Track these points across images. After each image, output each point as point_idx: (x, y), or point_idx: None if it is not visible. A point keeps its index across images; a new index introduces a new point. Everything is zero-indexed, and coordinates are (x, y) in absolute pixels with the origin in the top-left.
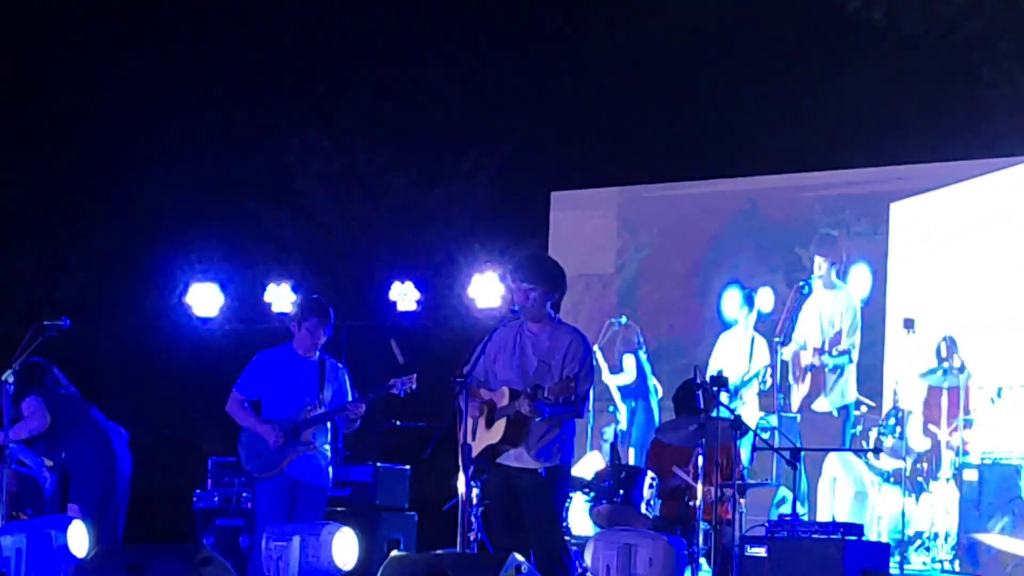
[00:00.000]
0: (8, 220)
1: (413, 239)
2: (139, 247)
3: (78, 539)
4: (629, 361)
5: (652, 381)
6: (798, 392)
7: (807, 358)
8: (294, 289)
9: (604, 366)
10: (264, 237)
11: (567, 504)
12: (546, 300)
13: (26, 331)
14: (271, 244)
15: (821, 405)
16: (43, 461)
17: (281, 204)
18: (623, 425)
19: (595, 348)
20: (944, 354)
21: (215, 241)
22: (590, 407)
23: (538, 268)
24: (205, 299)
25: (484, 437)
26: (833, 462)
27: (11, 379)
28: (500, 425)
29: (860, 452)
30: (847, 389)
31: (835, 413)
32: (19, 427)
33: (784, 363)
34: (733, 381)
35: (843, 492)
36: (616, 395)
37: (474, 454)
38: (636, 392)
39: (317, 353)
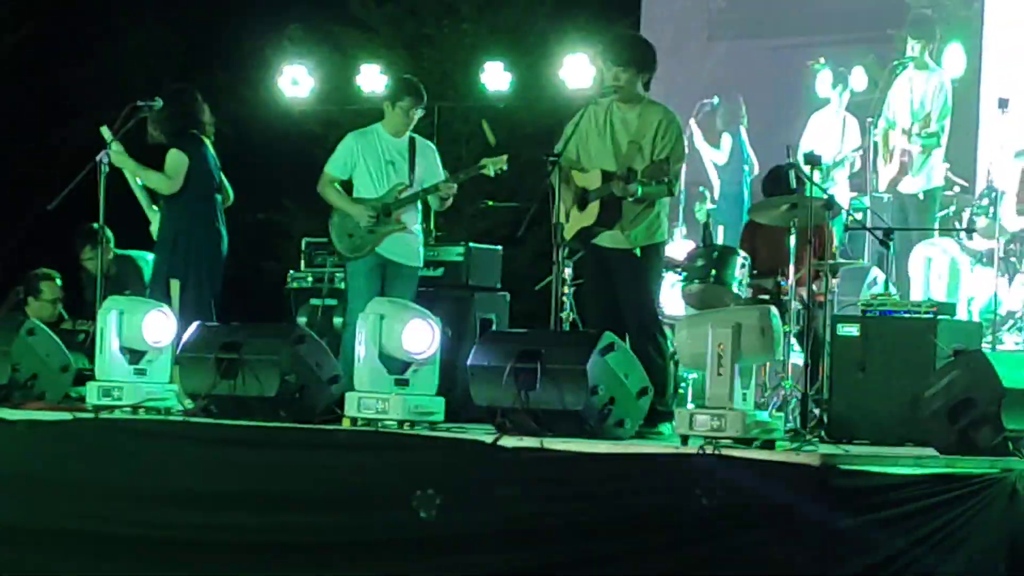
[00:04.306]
0: (109, 8)
1: (502, 20)
2: (230, 31)
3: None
4: (726, 140)
5: (748, 165)
6: (886, 173)
7: (896, 139)
8: (384, 72)
9: (703, 142)
10: (352, 22)
11: (660, 284)
12: (636, 80)
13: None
14: (359, 28)
15: (908, 187)
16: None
17: None
18: (713, 203)
19: (691, 123)
20: None
21: (305, 25)
22: (681, 186)
23: (628, 47)
24: (296, 81)
25: (577, 220)
26: (925, 243)
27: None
28: (594, 207)
29: (953, 232)
30: (933, 173)
31: (921, 196)
32: (155, 177)
33: (875, 144)
34: (825, 161)
35: (935, 272)
36: (712, 172)
37: (568, 236)
38: (730, 171)
39: (408, 133)
